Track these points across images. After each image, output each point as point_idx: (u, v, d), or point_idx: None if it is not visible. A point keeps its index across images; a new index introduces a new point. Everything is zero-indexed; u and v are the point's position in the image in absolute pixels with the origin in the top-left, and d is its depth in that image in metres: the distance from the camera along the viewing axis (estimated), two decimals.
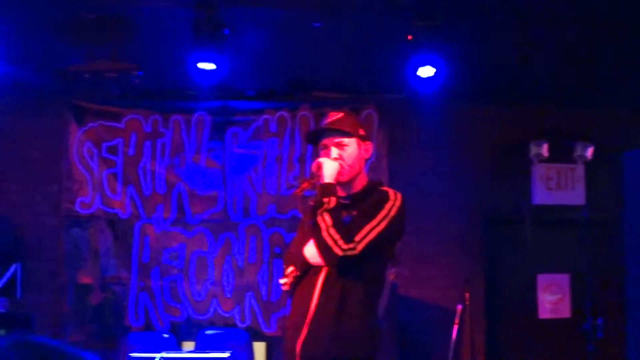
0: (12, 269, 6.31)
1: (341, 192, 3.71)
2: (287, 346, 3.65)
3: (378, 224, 3.56)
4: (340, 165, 3.68)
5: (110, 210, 6.93)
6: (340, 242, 3.49)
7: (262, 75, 6.74)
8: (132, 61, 6.42)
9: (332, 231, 3.51)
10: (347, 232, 3.52)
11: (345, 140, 3.72)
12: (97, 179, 6.92)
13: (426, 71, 6.18)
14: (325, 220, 3.53)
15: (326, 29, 5.95)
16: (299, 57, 6.34)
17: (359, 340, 3.55)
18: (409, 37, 6.09)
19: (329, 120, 3.81)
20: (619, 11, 5.54)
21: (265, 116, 6.97)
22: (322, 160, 3.65)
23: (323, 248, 3.53)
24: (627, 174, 4.48)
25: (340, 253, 3.50)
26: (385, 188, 3.79)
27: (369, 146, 3.83)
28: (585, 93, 6.97)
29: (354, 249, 3.50)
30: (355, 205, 3.65)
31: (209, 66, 6.11)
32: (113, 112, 6.96)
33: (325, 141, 3.74)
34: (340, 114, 3.82)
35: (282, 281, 3.92)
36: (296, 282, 3.76)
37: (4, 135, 6.92)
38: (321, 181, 3.61)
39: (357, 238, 3.51)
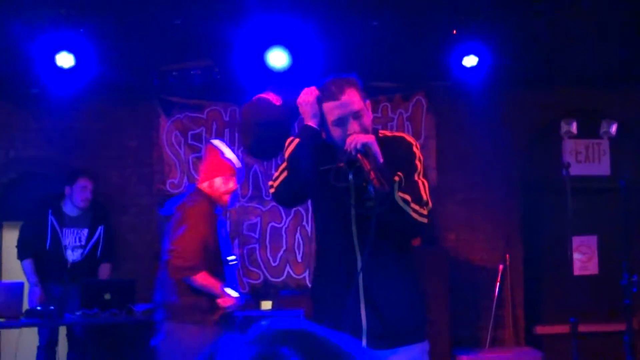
0: (99, 230, 6.33)
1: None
2: (341, 322, 2.89)
3: (421, 171, 2.96)
4: (374, 137, 2.89)
5: None
6: (422, 210, 2.88)
7: (324, 69, 6.66)
8: (212, 60, 6.42)
9: (414, 205, 2.86)
10: (419, 197, 2.89)
11: (361, 110, 2.92)
12: (184, 162, 6.93)
13: (470, 61, 6.10)
14: (405, 198, 2.85)
15: (382, 26, 5.88)
16: (359, 52, 6.25)
17: (421, 307, 3.07)
18: (454, 32, 6.02)
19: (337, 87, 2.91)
20: None
21: None
22: (366, 138, 2.82)
23: (410, 225, 2.89)
24: None
25: (426, 221, 2.91)
26: (389, 133, 3.14)
27: (369, 105, 3.04)
28: (610, 75, 6.82)
29: (429, 208, 2.92)
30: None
31: (279, 63, 6.09)
32: (197, 105, 6.96)
33: (339, 114, 2.90)
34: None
35: None
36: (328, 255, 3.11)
37: (104, 127, 6.97)
38: (380, 160, 2.82)
39: (424, 198, 2.91)
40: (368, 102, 3.01)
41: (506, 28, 6.00)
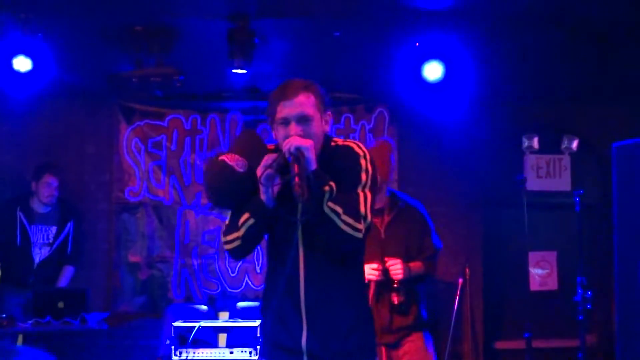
0: (68, 226, 6.33)
1: None
2: (284, 342, 2.93)
3: (367, 183, 2.85)
4: (312, 143, 2.81)
5: (155, 198, 6.88)
6: (355, 224, 2.76)
7: (289, 78, 6.63)
8: (174, 67, 6.36)
9: (346, 218, 2.75)
10: (354, 210, 2.77)
11: (311, 115, 2.85)
12: (143, 170, 6.87)
13: (432, 74, 6.08)
14: (336, 210, 2.74)
15: (345, 37, 5.87)
16: (321, 62, 6.24)
17: (367, 326, 3.01)
18: (417, 44, 6.02)
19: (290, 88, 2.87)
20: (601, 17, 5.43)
21: None
22: (302, 142, 2.75)
23: (341, 238, 2.78)
24: (615, 163, 4.39)
25: (360, 235, 2.79)
26: (340, 142, 2.99)
27: (329, 117, 2.97)
28: (571, 91, 6.88)
29: (367, 223, 2.79)
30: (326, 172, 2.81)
31: (241, 71, 6.04)
32: (157, 112, 6.91)
33: (285, 113, 2.84)
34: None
35: None
36: (270, 267, 3.06)
37: (63, 133, 6.90)
38: (312, 167, 2.74)
39: (362, 211, 2.79)
40: (328, 113, 2.93)
41: (469, 43, 6.02)
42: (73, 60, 6.14)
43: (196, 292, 6.86)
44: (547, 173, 7.09)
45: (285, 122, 2.83)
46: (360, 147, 2.94)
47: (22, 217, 6.19)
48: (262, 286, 6.58)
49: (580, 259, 5.06)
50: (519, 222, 5.93)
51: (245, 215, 2.87)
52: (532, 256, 6.99)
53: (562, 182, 7.09)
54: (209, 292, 6.87)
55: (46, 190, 6.20)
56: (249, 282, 6.88)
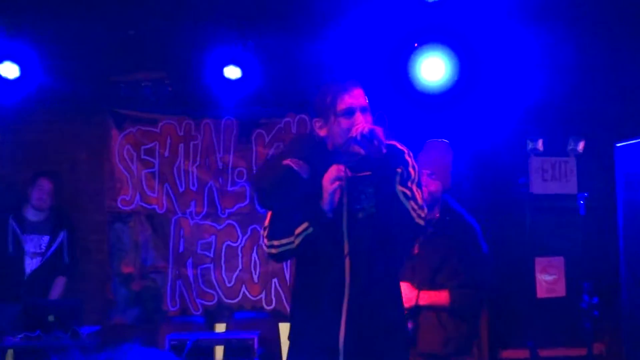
0: (60, 235, 6.29)
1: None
2: (319, 341, 2.97)
3: (415, 179, 2.99)
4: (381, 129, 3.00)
5: (148, 206, 6.78)
6: (419, 211, 2.92)
7: (284, 82, 6.58)
8: (167, 72, 6.34)
9: (412, 203, 2.91)
10: (416, 199, 2.92)
11: (368, 107, 3.07)
12: (136, 178, 6.78)
13: (432, 75, 6.02)
14: (405, 192, 2.90)
15: (341, 37, 5.83)
16: (318, 64, 6.18)
17: (402, 327, 3.11)
18: (415, 45, 5.97)
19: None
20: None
21: (287, 119, 6.82)
22: (375, 127, 2.93)
23: (407, 224, 2.92)
24: (619, 164, 4.30)
25: (423, 223, 2.94)
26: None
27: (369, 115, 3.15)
28: (576, 92, 6.79)
29: (425, 213, 2.94)
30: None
31: (236, 75, 6.01)
32: (150, 118, 6.81)
33: (349, 103, 3.01)
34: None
35: None
36: (306, 266, 3.10)
37: (55, 140, 6.82)
38: (384, 150, 2.90)
39: (420, 201, 2.94)
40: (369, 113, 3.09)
41: (471, 45, 5.96)
42: (62, 66, 6.10)
43: (191, 303, 6.75)
44: (552, 176, 6.98)
45: (350, 112, 2.99)
46: (401, 145, 3.12)
47: (14, 225, 6.15)
48: (266, 292, 6.62)
49: (586, 264, 4.95)
50: (524, 226, 5.84)
51: (304, 225, 2.99)
52: (539, 262, 6.88)
53: (569, 185, 6.96)
54: (204, 303, 6.76)
55: (37, 192, 6.20)
56: (246, 292, 6.77)
